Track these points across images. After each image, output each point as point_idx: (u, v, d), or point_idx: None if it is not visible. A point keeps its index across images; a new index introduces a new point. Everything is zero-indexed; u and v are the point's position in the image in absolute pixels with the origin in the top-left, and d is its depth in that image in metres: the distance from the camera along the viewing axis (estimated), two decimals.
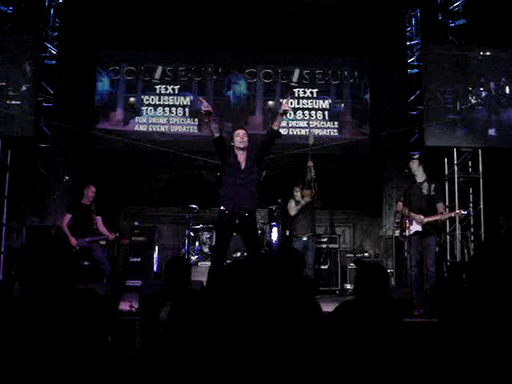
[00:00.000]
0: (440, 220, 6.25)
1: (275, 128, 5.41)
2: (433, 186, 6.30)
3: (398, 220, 7.81)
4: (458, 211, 6.72)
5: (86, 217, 6.98)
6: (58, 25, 9.76)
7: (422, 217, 6.11)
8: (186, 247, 8.49)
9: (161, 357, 2.43)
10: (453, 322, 1.68)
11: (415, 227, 6.18)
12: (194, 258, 8.48)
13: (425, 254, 6.15)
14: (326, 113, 10.42)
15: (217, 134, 5.26)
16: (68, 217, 6.99)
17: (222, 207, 5.35)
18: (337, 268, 8.30)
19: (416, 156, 6.71)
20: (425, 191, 6.26)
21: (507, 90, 9.20)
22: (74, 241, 6.80)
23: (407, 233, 6.21)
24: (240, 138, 5.34)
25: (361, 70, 10.53)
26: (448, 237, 9.12)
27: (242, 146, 5.33)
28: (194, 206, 8.71)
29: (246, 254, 7.73)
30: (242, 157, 5.34)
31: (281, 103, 9.81)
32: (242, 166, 5.32)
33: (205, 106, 5.23)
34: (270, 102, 10.44)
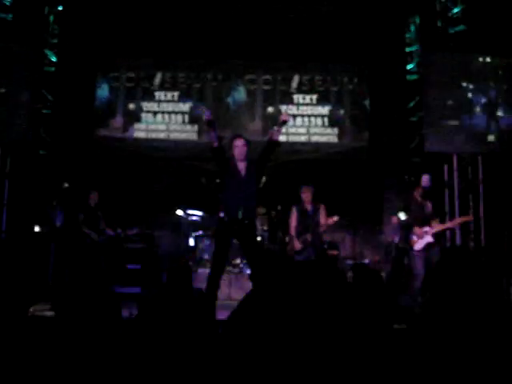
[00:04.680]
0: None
1: (275, 138, 5.42)
2: (429, 204, 6.70)
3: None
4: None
5: (94, 217, 7.74)
6: (58, 32, 9.75)
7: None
8: (186, 254, 8.48)
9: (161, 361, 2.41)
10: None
11: (425, 240, 6.47)
12: (193, 264, 8.46)
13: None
14: (326, 119, 10.42)
15: (216, 144, 5.26)
16: (81, 217, 7.73)
17: (221, 214, 5.33)
18: None
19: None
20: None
21: (507, 96, 9.19)
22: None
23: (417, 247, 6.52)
24: (239, 149, 5.33)
25: (360, 76, 10.54)
26: (448, 243, 9.09)
27: (241, 157, 5.33)
28: (193, 212, 8.69)
29: (245, 261, 7.71)
30: (241, 165, 5.34)
31: (280, 112, 9.86)
32: (242, 175, 5.31)
33: (207, 116, 5.23)
34: (270, 109, 10.44)
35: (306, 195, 6.88)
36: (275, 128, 5.48)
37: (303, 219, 6.83)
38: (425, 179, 6.80)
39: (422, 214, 6.62)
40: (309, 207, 6.87)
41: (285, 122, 5.42)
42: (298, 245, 6.65)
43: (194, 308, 3.20)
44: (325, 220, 6.70)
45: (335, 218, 6.60)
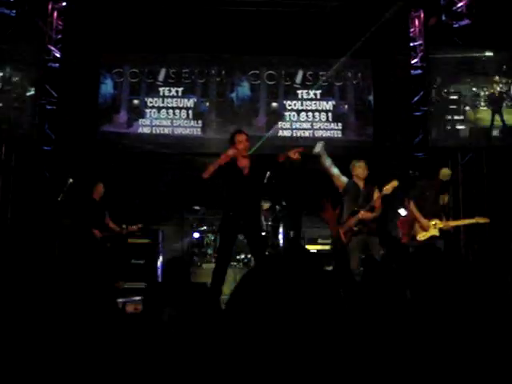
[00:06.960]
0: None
1: (280, 161, 5.44)
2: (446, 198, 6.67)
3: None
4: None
5: (99, 212, 7.73)
6: (62, 28, 9.77)
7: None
8: (190, 249, 8.52)
9: (165, 359, 2.42)
10: None
11: (430, 233, 6.43)
12: (197, 259, 8.51)
13: None
14: (330, 114, 10.40)
15: (205, 176, 5.36)
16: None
17: (226, 209, 5.35)
18: None
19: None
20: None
21: (511, 90, 9.17)
22: (97, 232, 7.56)
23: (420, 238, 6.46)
24: (243, 145, 5.34)
25: (364, 71, 10.51)
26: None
27: (245, 152, 5.35)
28: (198, 207, 8.71)
29: (250, 255, 7.73)
30: (244, 162, 5.35)
31: (285, 107, 9.83)
32: (245, 172, 5.32)
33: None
34: (274, 104, 10.43)
35: (361, 171, 6.52)
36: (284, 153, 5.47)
37: (355, 199, 6.35)
38: (444, 173, 6.70)
39: (434, 207, 6.53)
40: (361, 185, 6.44)
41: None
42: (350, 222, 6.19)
43: (192, 301, 3.21)
44: (379, 202, 6.20)
45: (395, 183, 6.04)
